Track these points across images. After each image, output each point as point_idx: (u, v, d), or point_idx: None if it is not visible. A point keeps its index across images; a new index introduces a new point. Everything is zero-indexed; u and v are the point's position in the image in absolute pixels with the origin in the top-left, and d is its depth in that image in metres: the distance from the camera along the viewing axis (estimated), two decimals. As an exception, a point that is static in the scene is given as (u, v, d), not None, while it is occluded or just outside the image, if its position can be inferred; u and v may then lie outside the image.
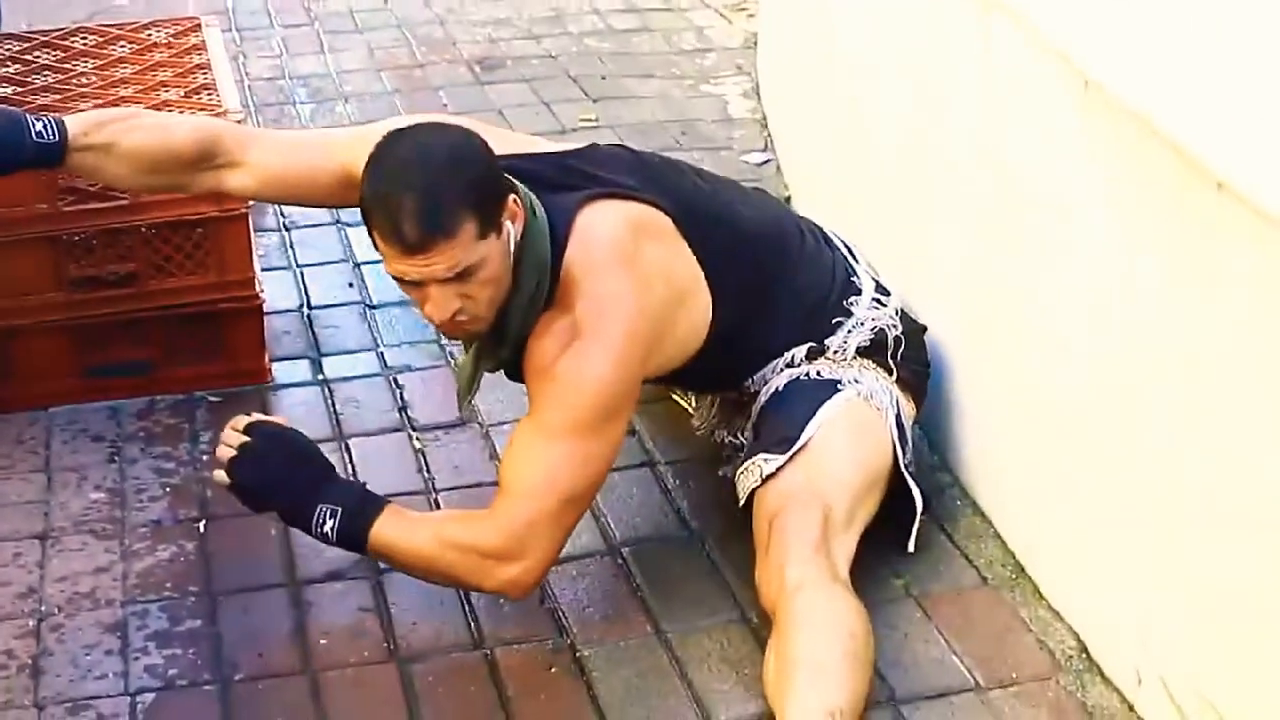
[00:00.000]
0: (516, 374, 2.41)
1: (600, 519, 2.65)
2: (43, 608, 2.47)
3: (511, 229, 2.26)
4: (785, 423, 2.52)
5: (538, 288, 2.32)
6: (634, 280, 2.33)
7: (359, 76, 4.64)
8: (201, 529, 2.65)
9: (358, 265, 3.49)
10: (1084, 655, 2.29)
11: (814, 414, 2.48)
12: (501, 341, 2.38)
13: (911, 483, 2.54)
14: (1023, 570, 2.49)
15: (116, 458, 2.84)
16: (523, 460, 2.29)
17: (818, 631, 2.16)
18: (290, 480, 2.33)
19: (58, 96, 3.06)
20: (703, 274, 2.47)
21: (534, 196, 2.35)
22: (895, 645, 2.34)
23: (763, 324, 2.58)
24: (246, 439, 2.32)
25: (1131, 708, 2.17)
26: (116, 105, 2.94)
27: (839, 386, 2.53)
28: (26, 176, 2.68)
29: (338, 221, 3.65)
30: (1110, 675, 2.23)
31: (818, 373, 2.57)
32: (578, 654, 2.34)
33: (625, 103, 4.35)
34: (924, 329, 2.73)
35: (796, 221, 2.81)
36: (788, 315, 2.61)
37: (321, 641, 2.38)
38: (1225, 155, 1.75)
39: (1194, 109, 1.82)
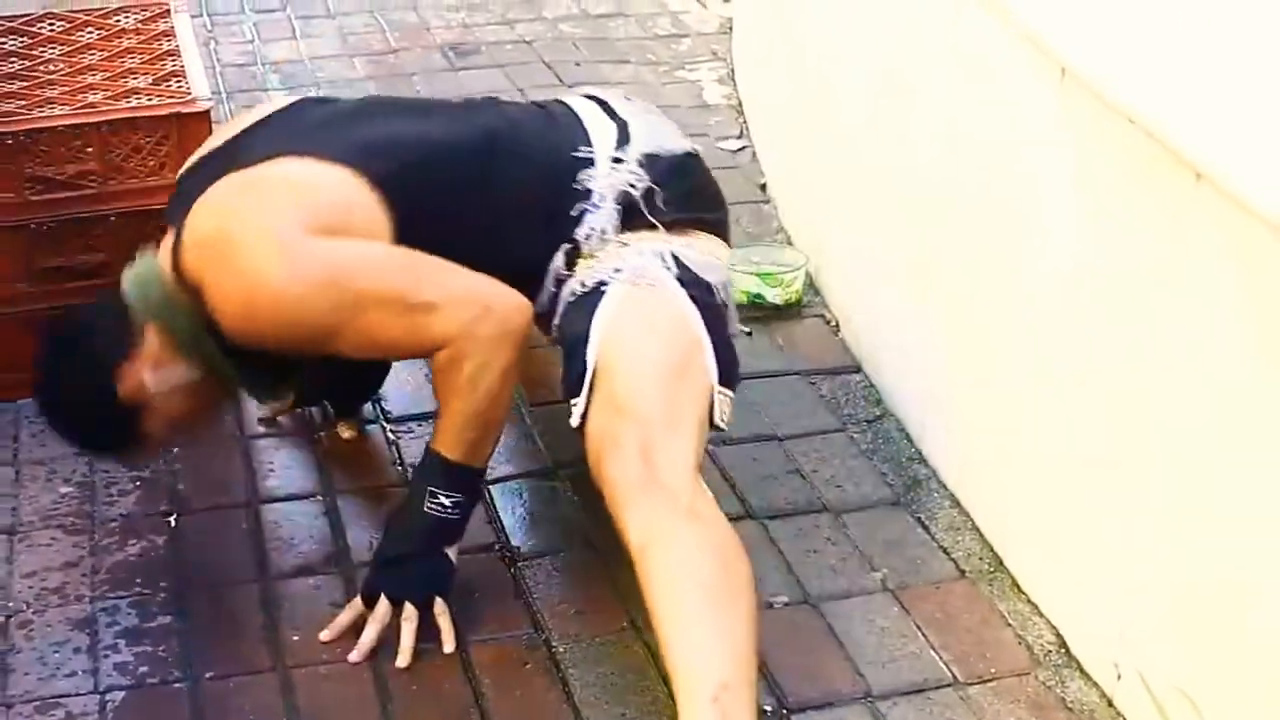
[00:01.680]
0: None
1: (577, 513, 2.64)
2: (10, 604, 2.45)
3: (152, 377, 2.31)
4: (571, 356, 2.36)
5: (197, 343, 2.33)
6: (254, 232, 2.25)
7: (332, 63, 4.60)
8: (172, 523, 2.63)
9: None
10: (1063, 650, 2.28)
11: (588, 334, 2.31)
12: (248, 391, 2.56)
13: (707, 343, 2.33)
14: (1001, 564, 2.48)
15: (86, 451, 2.81)
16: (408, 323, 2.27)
17: (673, 599, 2.06)
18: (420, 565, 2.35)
19: (25, 84, 3.03)
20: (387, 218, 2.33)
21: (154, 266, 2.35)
22: (873, 640, 2.33)
23: (494, 248, 2.41)
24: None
25: (1110, 702, 2.17)
26: (84, 94, 2.93)
27: (603, 289, 2.36)
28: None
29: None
30: (1089, 670, 2.23)
31: (583, 283, 2.41)
32: (553, 650, 2.32)
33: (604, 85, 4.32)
34: (688, 153, 2.60)
35: (508, 115, 2.62)
36: (517, 228, 2.45)
37: (293, 638, 2.35)
38: (1205, 146, 1.74)
39: (1174, 99, 1.81)
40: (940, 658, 2.28)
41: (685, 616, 2.04)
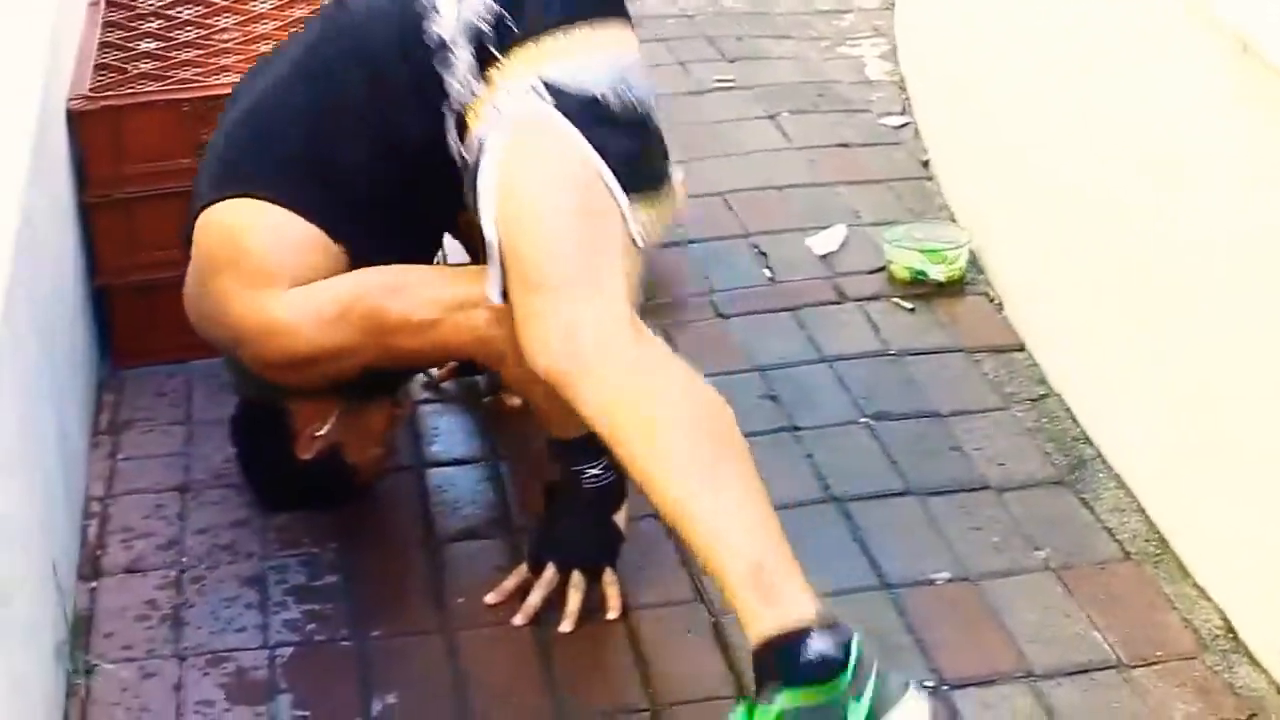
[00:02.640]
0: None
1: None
2: (184, 559, 2.52)
3: (319, 433, 2.48)
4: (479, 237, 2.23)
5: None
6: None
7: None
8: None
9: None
10: (1230, 635, 2.24)
11: (483, 204, 2.15)
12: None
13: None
14: (1167, 546, 2.44)
15: (257, 411, 2.87)
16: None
17: (660, 467, 1.99)
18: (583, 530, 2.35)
19: (201, 52, 3.13)
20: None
21: None
22: (1035, 620, 2.30)
23: (392, 157, 2.32)
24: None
25: (1280, 689, 2.13)
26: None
27: (481, 153, 2.18)
28: (174, 132, 2.76)
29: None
30: (1258, 656, 2.18)
31: (466, 150, 2.24)
32: (715, 617, 2.33)
33: (762, 63, 4.34)
34: None
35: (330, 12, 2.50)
36: (397, 123, 2.31)
37: (458, 600, 2.40)
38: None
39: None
40: (1104, 639, 2.25)
41: (683, 487, 1.99)
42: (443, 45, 2.22)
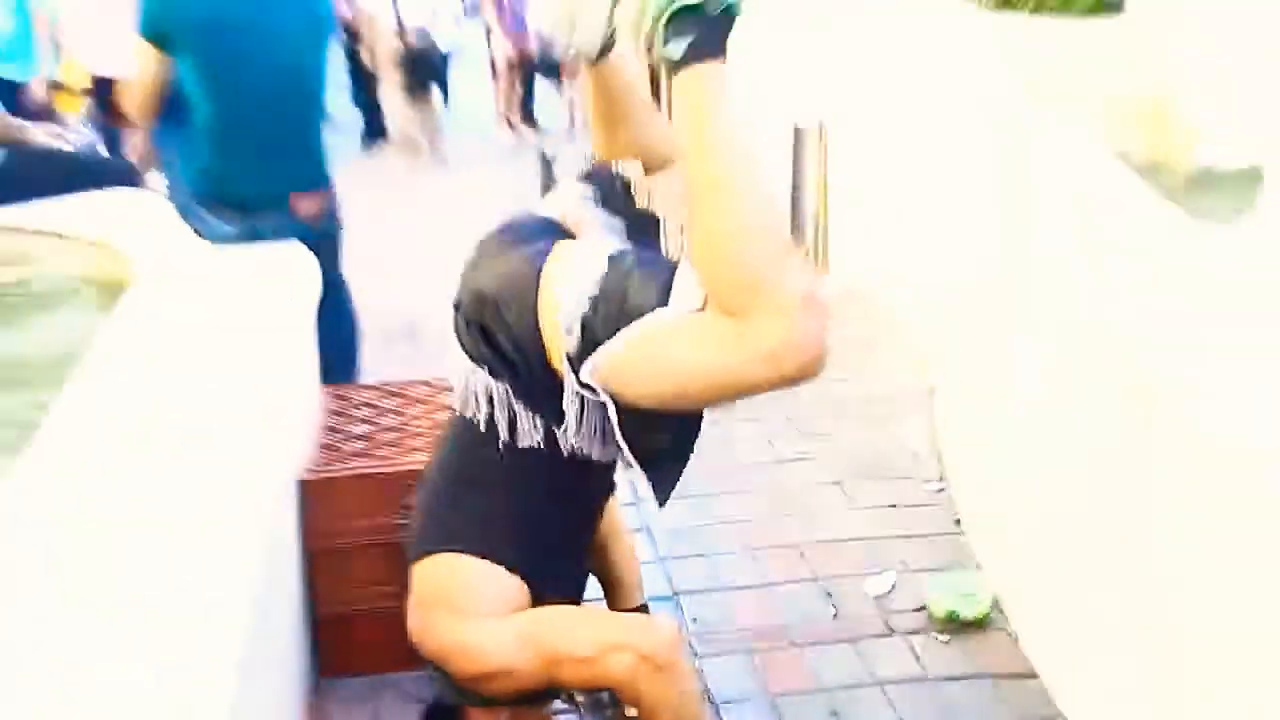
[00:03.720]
0: None
1: None
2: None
3: None
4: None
5: None
6: None
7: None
8: None
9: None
10: None
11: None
12: None
13: None
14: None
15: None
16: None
17: None
18: None
19: (398, 434, 3.22)
20: None
21: None
22: None
23: None
24: None
25: None
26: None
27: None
28: (376, 497, 2.89)
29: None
30: None
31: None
32: None
33: (831, 440, 4.43)
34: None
35: None
36: None
37: None
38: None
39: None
40: None
41: None
42: None
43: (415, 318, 6.02)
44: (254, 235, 3.84)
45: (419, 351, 5.58)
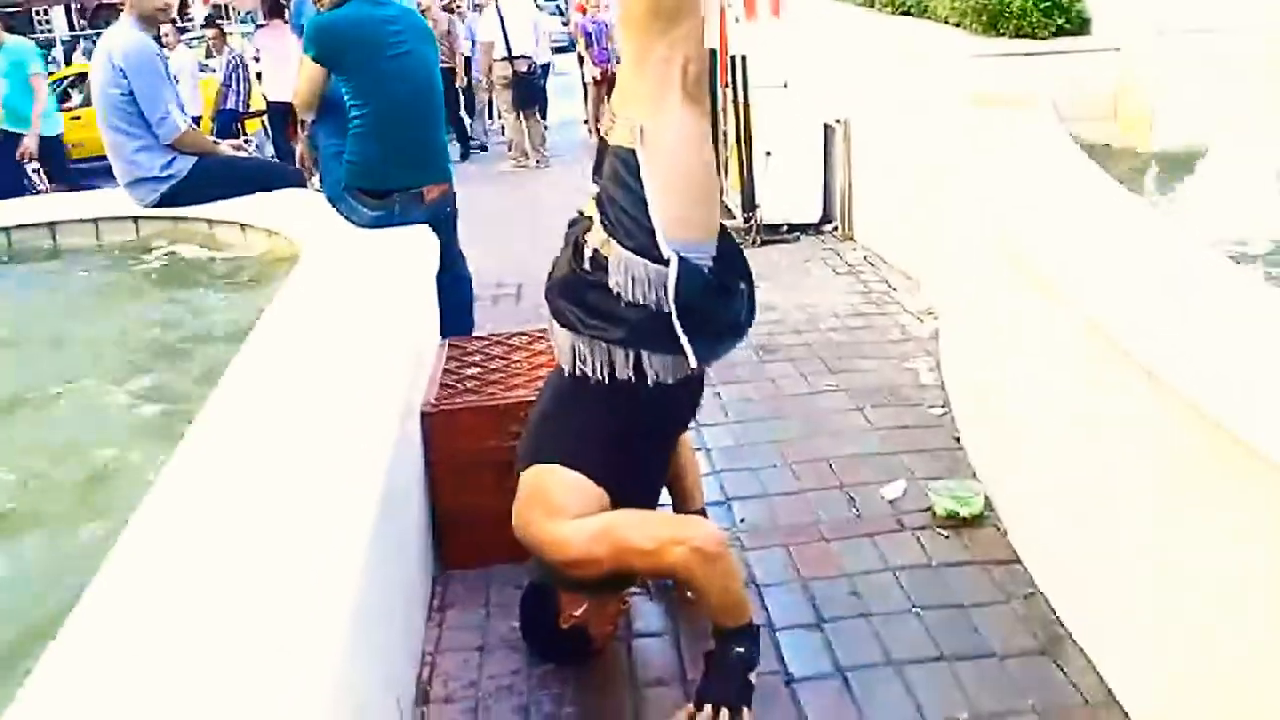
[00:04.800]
0: None
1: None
2: (479, 694, 2.56)
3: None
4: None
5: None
6: None
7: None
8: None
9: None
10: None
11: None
12: None
13: None
14: (1114, 697, 2.36)
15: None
16: None
17: None
18: None
19: (503, 375, 3.22)
20: None
21: None
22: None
23: None
24: None
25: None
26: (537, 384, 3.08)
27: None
28: (486, 425, 2.90)
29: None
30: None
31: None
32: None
33: (854, 374, 4.38)
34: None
35: None
36: None
37: (649, 723, 2.40)
38: None
39: None
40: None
41: None
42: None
43: (518, 281, 6.06)
44: (390, 218, 3.86)
45: (519, 308, 5.61)
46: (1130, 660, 2.36)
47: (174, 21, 11.73)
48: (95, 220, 4.58)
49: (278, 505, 1.91)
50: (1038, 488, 2.86)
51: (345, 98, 3.81)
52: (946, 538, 3.10)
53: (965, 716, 2.37)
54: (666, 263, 2.22)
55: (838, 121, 6.40)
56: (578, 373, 2.39)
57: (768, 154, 6.65)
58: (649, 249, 2.22)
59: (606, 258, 2.27)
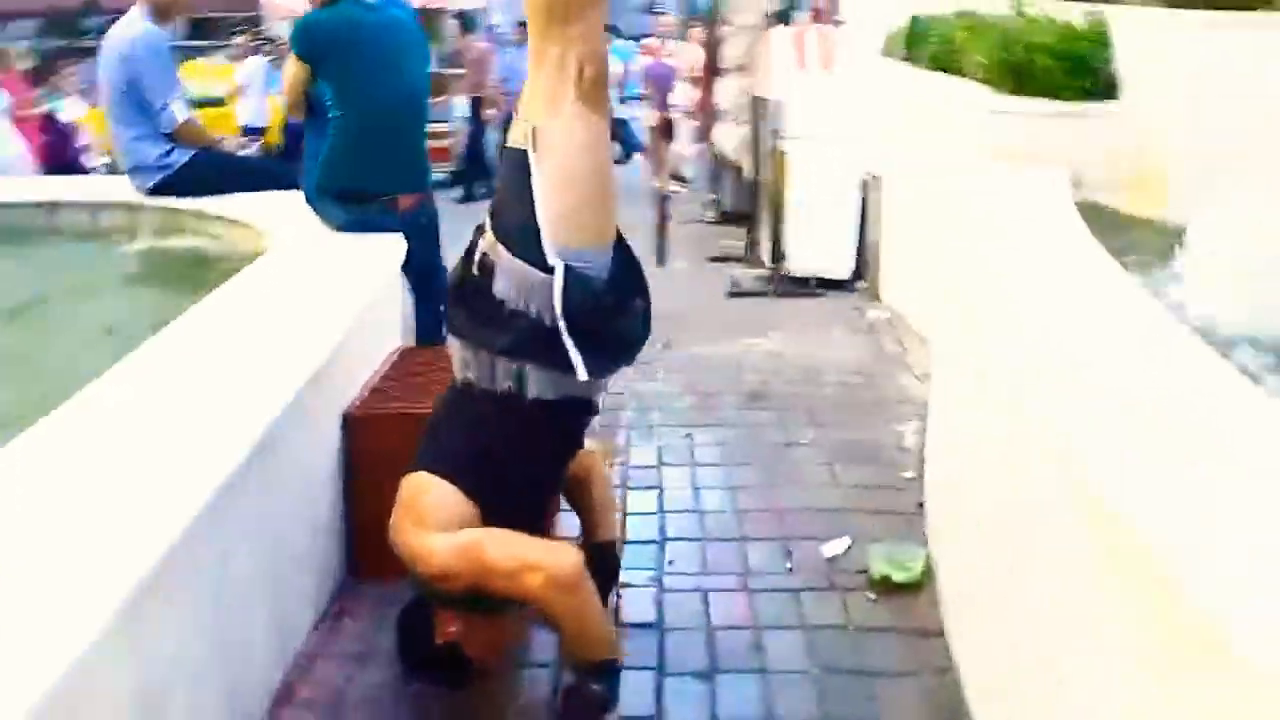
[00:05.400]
0: None
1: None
2: (339, 706, 2.47)
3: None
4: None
5: None
6: None
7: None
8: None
9: None
10: None
11: None
12: None
13: None
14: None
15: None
16: None
17: None
18: None
19: (441, 387, 3.12)
20: None
21: None
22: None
23: None
24: None
25: None
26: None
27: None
28: (408, 430, 2.80)
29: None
30: None
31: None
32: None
33: (836, 430, 4.22)
34: None
35: None
36: None
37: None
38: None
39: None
40: None
41: None
42: None
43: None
44: (364, 223, 3.84)
45: None
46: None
47: (253, 33, 12.05)
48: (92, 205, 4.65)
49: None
50: (970, 559, 2.69)
51: (325, 99, 3.81)
52: (874, 601, 2.93)
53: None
54: (552, 271, 2.13)
55: (873, 177, 6.28)
56: (461, 382, 2.33)
57: (800, 206, 6.55)
58: (535, 256, 2.14)
59: (494, 263, 2.20)
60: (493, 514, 2.29)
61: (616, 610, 2.87)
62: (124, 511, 1.81)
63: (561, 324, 2.14)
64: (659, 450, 4.03)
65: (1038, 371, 2.06)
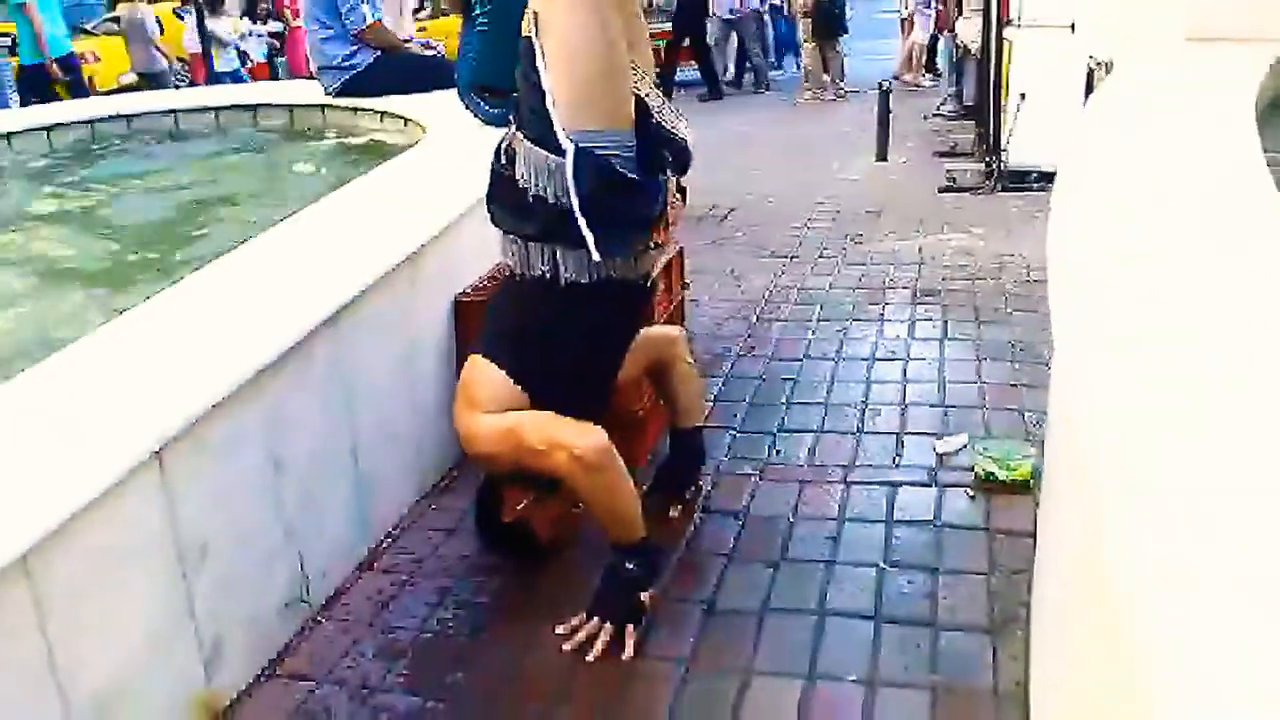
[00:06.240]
0: None
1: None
2: (421, 566, 2.63)
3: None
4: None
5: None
6: None
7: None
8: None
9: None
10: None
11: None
12: None
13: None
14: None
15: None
16: None
17: None
18: None
19: None
20: None
21: None
22: None
23: None
24: None
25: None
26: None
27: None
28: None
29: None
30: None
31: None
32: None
33: (998, 327, 4.03)
34: None
35: None
36: None
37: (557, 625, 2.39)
38: None
39: None
40: None
41: None
42: None
43: (732, 206, 6.00)
44: (507, 118, 3.92)
45: (716, 228, 5.49)
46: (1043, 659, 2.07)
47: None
48: (289, 106, 4.98)
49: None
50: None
51: (474, -2, 3.88)
52: (972, 498, 2.82)
53: (853, 678, 2.17)
54: (565, 154, 2.15)
55: (1099, 64, 5.80)
56: (508, 270, 2.39)
57: (1022, 96, 6.16)
58: (549, 140, 2.16)
59: (515, 151, 2.23)
60: (543, 401, 2.34)
61: (706, 496, 2.90)
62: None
63: (575, 204, 2.16)
64: (808, 344, 3.98)
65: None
